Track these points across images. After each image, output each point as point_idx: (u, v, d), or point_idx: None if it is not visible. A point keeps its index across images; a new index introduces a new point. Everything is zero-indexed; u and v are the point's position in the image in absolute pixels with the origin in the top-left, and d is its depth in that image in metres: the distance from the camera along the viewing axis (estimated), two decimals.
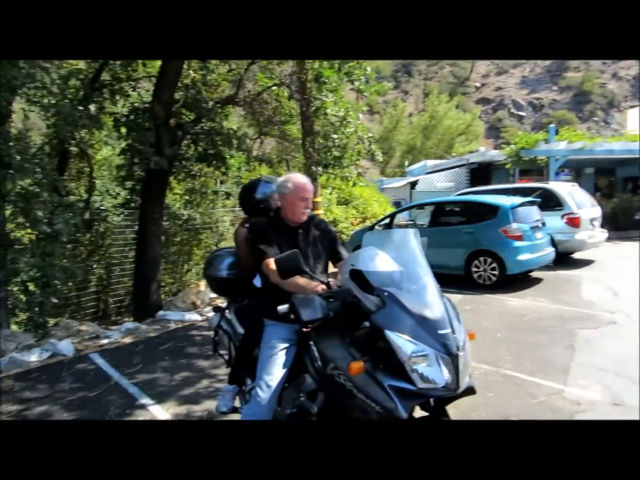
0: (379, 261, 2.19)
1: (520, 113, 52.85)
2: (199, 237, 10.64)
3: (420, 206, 10.01)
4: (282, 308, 2.28)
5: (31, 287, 6.88)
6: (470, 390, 2.11)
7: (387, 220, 9.88)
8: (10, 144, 5.42)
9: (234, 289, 3.26)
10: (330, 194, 13.33)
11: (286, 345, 2.62)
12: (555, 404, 3.59)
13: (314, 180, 8.72)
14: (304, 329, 2.50)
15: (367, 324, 2.11)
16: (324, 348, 2.29)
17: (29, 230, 6.27)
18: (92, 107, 7.16)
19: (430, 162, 23.88)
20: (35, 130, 9.67)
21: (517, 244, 7.58)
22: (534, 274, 8.41)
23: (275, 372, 2.56)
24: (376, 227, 9.89)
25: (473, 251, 7.96)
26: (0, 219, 5.56)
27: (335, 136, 7.51)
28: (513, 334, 5.39)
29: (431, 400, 2.16)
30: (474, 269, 7.96)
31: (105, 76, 7.93)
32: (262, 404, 2.51)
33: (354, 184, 9.56)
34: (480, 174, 17.60)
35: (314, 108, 7.53)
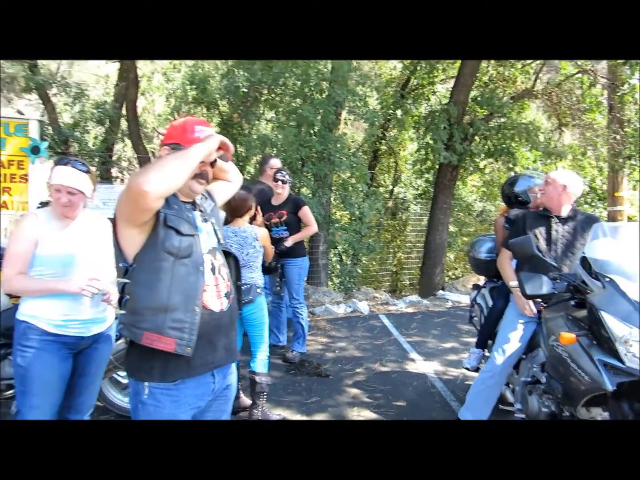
0: (609, 251, 2.37)
1: None
2: (492, 228, 10.91)
3: None
4: (513, 283, 2.69)
5: (344, 258, 8.74)
6: None
7: None
8: (339, 145, 7.07)
9: (490, 270, 3.71)
10: None
11: (526, 320, 2.99)
12: None
13: (615, 172, 7.95)
14: (541, 307, 2.85)
15: None
16: (549, 323, 2.61)
17: (345, 212, 8.00)
18: (399, 112, 8.44)
19: None
20: (362, 130, 11.74)
21: None
22: None
23: (512, 340, 2.97)
24: None
25: None
26: (326, 203, 7.34)
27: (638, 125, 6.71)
28: None
29: None
30: None
31: (413, 82, 9.15)
32: (496, 364, 2.98)
33: None
34: None
35: (619, 94, 6.90)
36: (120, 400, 3.25)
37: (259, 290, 3.32)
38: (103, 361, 2.47)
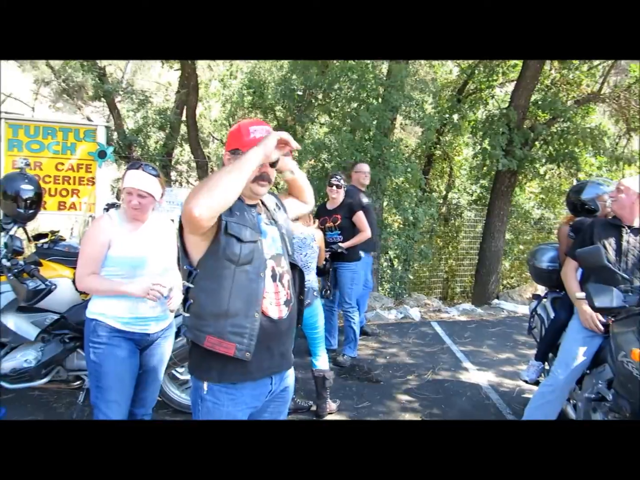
0: None
1: None
2: (550, 237, 10.50)
3: None
4: (579, 295, 2.57)
5: (395, 264, 8.66)
6: None
7: None
8: (393, 150, 7.03)
9: (552, 279, 3.57)
10: None
11: (591, 334, 2.85)
12: None
13: None
14: (609, 320, 2.71)
15: None
16: (618, 338, 2.48)
17: (397, 217, 7.93)
18: (455, 117, 8.28)
19: None
20: (414, 135, 11.63)
21: None
22: None
23: (576, 354, 2.84)
24: None
25: None
26: (379, 208, 7.30)
27: None
28: None
29: None
30: None
31: (470, 86, 8.96)
32: (558, 379, 2.86)
33: None
34: None
35: None
36: (178, 395, 3.36)
37: (315, 294, 3.36)
38: (165, 357, 2.56)
